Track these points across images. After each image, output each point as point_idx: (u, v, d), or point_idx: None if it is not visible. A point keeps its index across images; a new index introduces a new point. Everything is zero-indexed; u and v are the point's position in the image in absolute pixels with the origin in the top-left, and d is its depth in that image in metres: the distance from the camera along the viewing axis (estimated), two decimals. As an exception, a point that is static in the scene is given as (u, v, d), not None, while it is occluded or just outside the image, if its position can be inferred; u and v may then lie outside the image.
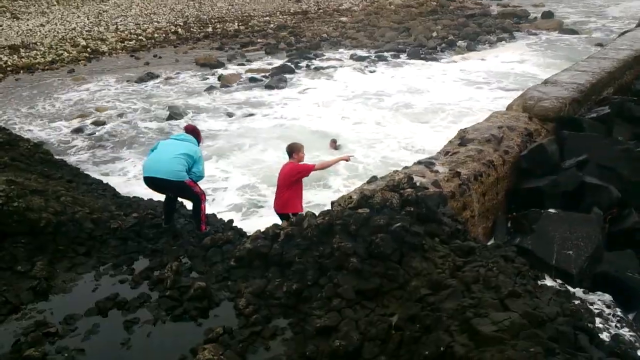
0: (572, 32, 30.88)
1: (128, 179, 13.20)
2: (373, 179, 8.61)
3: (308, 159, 7.55)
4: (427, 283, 3.94)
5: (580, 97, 12.03)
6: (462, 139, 10.11)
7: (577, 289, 6.52)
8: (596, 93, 12.95)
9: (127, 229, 6.20)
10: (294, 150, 7.30)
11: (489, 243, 5.78)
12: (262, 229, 5.34)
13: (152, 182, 6.27)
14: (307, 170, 7.15)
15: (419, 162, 9.14)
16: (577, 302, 4.58)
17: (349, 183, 12.30)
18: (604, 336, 4.08)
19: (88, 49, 29.63)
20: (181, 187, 6.28)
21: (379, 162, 13.75)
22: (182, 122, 16.74)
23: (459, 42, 29.39)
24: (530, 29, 32.58)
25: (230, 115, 18.26)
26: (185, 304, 4.64)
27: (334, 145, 14.02)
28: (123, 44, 31.10)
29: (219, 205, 11.40)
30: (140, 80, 23.27)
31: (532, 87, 13.06)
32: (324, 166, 7.64)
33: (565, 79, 12.82)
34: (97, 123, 17.74)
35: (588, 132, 10.77)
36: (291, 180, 7.12)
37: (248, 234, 5.87)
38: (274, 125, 17.00)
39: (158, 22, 36.17)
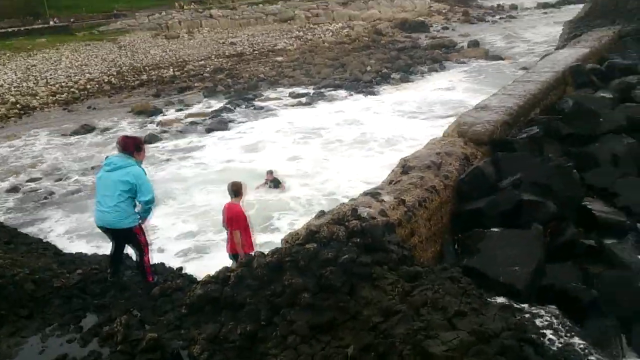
0: (498, 58, 32.63)
1: (70, 235, 12.78)
2: (321, 213, 8.70)
3: (249, 197, 7.60)
4: (378, 311, 4.02)
5: (510, 119, 12.63)
6: (404, 167, 10.39)
7: (526, 304, 6.77)
8: (524, 114, 13.63)
9: (71, 286, 6.01)
10: (238, 189, 7.34)
11: (437, 266, 5.95)
12: (212, 273, 5.30)
13: (103, 230, 6.13)
14: (236, 226, 7.17)
15: (365, 193, 9.31)
16: (526, 315, 4.76)
17: (295, 220, 12.38)
18: (555, 346, 4.26)
19: (18, 105, 28.78)
20: (127, 235, 6.11)
21: (325, 196, 13.92)
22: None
23: (393, 74, 30.43)
24: (458, 57, 34.15)
25: (170, 160, 18.08)
26: (137, 357, 4.53)
27: (271, 176, 14.05)
28: (54, 98, 30.39)
29: (166, 253, 11.19)
30: (76, 133, 22.75)
31: (464, 112, 13.63)
32: (237, 238, 7.31)
33: (495, 103, 13.45)
34: (32, 180, 17.17)
35: (520, 152, 11.30)
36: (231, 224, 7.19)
37: (198, 279, 5.81)
38: (218, 168, 16.96)
39: (90, 73, 35.65)
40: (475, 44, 38.16)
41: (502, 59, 32.35)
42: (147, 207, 6.05)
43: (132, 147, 6.07)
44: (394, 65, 32.29)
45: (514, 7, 65.62)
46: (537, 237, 8.69)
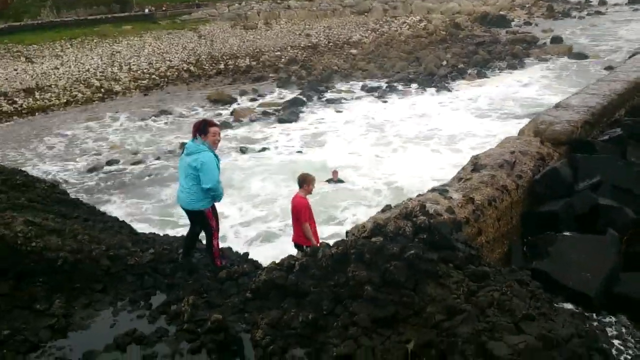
0: (582, 56, 31.00)
1: (144, 216, 13.36)
2: (387, 207, 8.64)
3: (315, 191, 7.63)
4: (442, 309, 3.93)
5: (592, 119, 12.01)
6: (475, 165, 10.13)
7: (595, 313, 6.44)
8: (608, 115, 12.93)
9: (144, 264, 6.27)
10: (305, 181, 7.39)
11: (505, 268, 5.77)
12: (277, 261, 5.38)
13: (183, 209, 6.42)
14: (303, 218, 7.20)
15: (433, 189, 9.16)
16: (594, 323, 4.53)
17: (360, 212, 12.37)
18: (623, 359, 4.02)
19: (102, 89, 30.34)
20: (198, 217, 6.35)
21: (392, 191, 13.79)
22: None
23: (469, 69, 29.63)
24: (540, 54, 32.76)
25: (243, 150, 18.47)
26: (202, 337, 4.66)
27: (336, 176, 14.05)
28: (136, 83, 31.80)
29: (236, 238, 11.49)
30: (154, 118, 23.72)
31: (543, 111, 13.08)
32: (307, 233, 7.36)
33: (576, 102, 12.84)
34: (112, 162, 18.06)
35: (601, 154, 10.72)
36: (300, 219, 7.23)
37: (263, 266, 5.91)
38: (286, 159, 17.18)
39: (170, 61, 36.99)
40: (558, 40, 36.46)
41: (587, 57, 30.69)
42: (213, 194, 6.20)
43: (195, 131, 6.24)
44: (471, 61, 31.44)
45: (602, 2, 62.14)
46: (612, 244, 8.24)
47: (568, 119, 11.67)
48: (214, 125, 6.36)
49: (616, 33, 39.79)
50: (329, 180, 13.78)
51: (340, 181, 14.02)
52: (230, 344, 4.59)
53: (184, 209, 6.37)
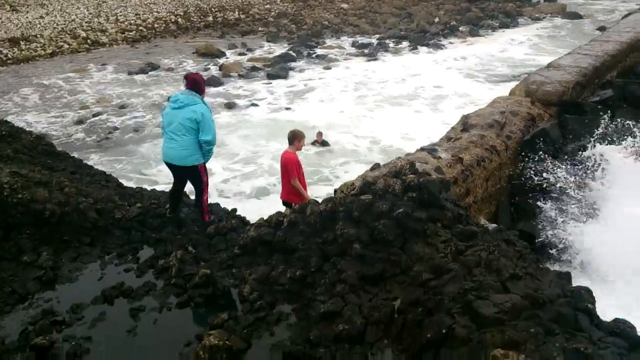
0: (576, 15, 30.66)
1: (130, 169, 13.26)
2: (376, 165, 8.62)
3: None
4: (429, 268, 3.96)
5: (584, 80, 11.96)
6: (465, 124, 10.10)
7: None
8: (599, 76, 12.88)
9: (131, 218, 6.24)
10: (295, 137, 7.31)
11: (491, 227, 5.83)
12: (266, 217, 5.37)
13: (168, 166, 6.29)
14: (292, 174, 7.13)
15: (422, 149, 9.14)
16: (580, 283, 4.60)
17: (351, 168, 12.37)
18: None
19: (88, 41, 29.60)
20: (191, 172, 6.22)
21: (380, 149, 13.78)
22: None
23: (462, 27, 29.25)
24: (533, 13, 32.37)
25: (230, 106, 18.24)
26: (190, 291, 4.69)
27: (320, 137, 13.89)
28: (123, 35, 31.04)
29: (222, 194, 11.46)
30: (141, 71, 23.27)
31: (534, 71, 12.99)
32: (299, 189, 7.33)
33: (568, 62, 12.75)
34: (97, 114, 17.79)
35: (591, 116, 10.73)
36: (288, 175, 7.16)
37: (251, 222, 5.91)
38: (274, 116, 17.02)
39: (158, 12, 36.05)
40: (552, -2, 36.01)
41: (581, 16, 30.34)
42: (208, 148, 6.11)
43: (202, 85, 6.15)
44: (464, 18, 31.01)
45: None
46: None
47: (559, 79, 11.60)
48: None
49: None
50: (313, 143, 13.64)
51: (325, 143, 13.86)
52: (217, 299, 4.63)
53: (174, 165, 6.17)
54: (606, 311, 3.70)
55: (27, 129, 9.26)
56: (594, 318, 3.46)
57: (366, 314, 3.87)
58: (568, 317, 3.30)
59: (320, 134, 13.98)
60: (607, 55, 13.36)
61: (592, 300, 3.62)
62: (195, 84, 6.07)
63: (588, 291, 3.68)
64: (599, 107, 11.23)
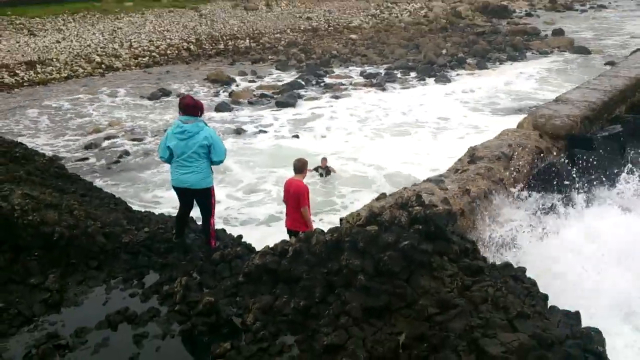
0: (584, 50, 30.82)
1: (139, 193, 13.33)
2: (382, 195, 8.63)
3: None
4: (435, 302, 3.94)
5: (592, 115, 11.99)
6: (472, 156, 10.11)
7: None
8: (608, 111, 12.91)
9: (138, 243, 6.26)
10: (303, 167, 7.36)
11: (500, 262, 5.78)
12: (271, 245, 5.37)
13: (177, 190, 6.36)
14: (304, 203, 7.19)
15: (429, 180, 9.15)
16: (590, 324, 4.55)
17: (357, 197, 12.38)
18: None
19: (102, 65, 30.10)
20: (203, 195, 6.33)
21: (386, 178, 13.80)
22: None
23: (469, 59, 29.47)
24: (540, 46, 32.60)
25: (238, 132, 18.39)
26: (193, 318, 4.67)
27: (324, 163, 13.78)
28: (136, 61, 31.55)
29: (229, 221, 11.48)
30: (153, 96, 23.56)
31: (543, 104, 13.06)
32: (308, 218, 7.39)
33: (577, 97, 12.81)
34: (109, 138, 17.96)
35: (600, 150, 10.72)
36: (300, 204, 7.20)
37: (257, 250, 5.91)
38: (282, 143, 17.12)
39: (171, 39, 36.67)
40: (560, 33, 36.27)
41: (589, 51, 30.53)
42: (218, 163, 6.31)
43: (198, 108, 6.21)
44: (471, 50, 31.28)
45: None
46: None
47: (568, 113, 11.64)
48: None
49: (622, 29, 39.51)
50: (316, 169, 13.54)
51: (329, 169, 13.78)
52: (221, 327, 4.61)
53: (186, 189, 6.26)
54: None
55: (40, 151, 9.37)
56: (604, 360, 3.42)
57: (370, 348, 3.84)
58: (577, 359, 3.26)
59: (324, 159, 13.93)
60: (615, 90, 13.42)
61: (602, 342, 3.57)
62: (195, 109, 6.16)
63: (598, 332, 3.64)
64: (608, 141, 11.24)
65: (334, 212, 11.78)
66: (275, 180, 13.31)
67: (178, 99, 7.70)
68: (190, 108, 6.14)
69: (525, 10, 51.18)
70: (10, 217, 5.70)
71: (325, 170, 13.70)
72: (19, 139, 12.80)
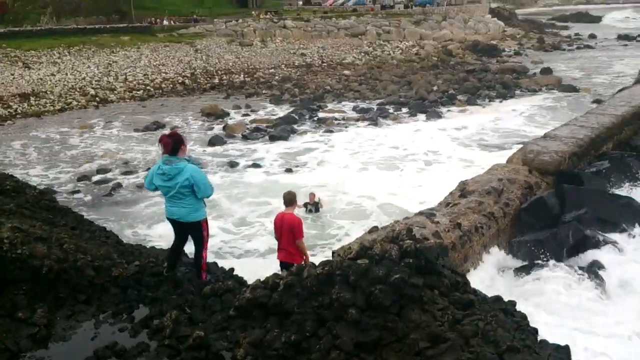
0: (571, 88, 31.42)
1: (131, 227, 13.28)
2: (374, 229, 8.68)
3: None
4: (426, 336, 3.94)
5: (580, 151, 12.20)
6: (463, 190, 10.23)
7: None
8: (595, 148, 13.14)
9: (128, 277, 6.21)
10: (293, 199, 7.41)
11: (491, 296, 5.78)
12: (262, 278, 5.36)
13: (171, 221, 6.34)
14: (299, 235, 7.23)
15: (420, 213, 9.23)
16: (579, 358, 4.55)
17: (348, 230, 12.38)
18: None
19: (97, 98, 30.31)
20: (194, 227, 6.29)
21: (380, 211, 13.83)
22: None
23: (459, 96, 29.94)
24: (529, 84, 33.20)
25: (231, 165, 18.47)
26: (183, 353, 4.62)
27: (312, 199, 13.55)
28: (131, 94, 31.81)
29: (221, 253, 11.43)
30: (147, 129, 23.69)
31: (531, 140, 13.28)
32: (304, 250, 7.43)
33: (565, 133, 13.05)
34: (102, 170, 17.97)
35: (588, 186, 10.89)
36: (295, 236, 7.21)
37: (248, 283, 5.89)
38: (273, 177, 17.18)
39: (166, 73, 37.07)
40: (548, 71, 37.03)
41: (576, 89, 31.13)
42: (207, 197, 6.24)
43: (179, 143, 6.03)
44: (462, 87, 31.80)
45: (592, 36, 63.38)
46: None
47: (556, 149, 11.85)
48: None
49: (609, 67, 40.38)
50: (305, 204, 13.32)
51: (317, 205, 13.55)
52: (211, 362, 4.56)
53: (179, 222, 6.25)
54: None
55: (31, 184, 9.35)
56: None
57: (361, 382, 3.82)
58: (565, 392, 3.27)
59: (312, 194, 13.71)
60: (602, 128, 13.69)
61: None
62: (174, 146, 5.99)
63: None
64: (596, 177, 11.42)
65: (327, 246, 11.75)
66: (267, 213, 13.31)
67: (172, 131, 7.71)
68: (169, 146, 6.00)
69: (514, 50, 52.25)
70: (-1, 250, 5.66)
71: (314, 205, 13.48)
72: (10, 171, 12.82)
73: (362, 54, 47.26)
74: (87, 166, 18.64)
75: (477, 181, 10.60)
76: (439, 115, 25.75)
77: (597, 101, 25.32)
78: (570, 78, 35.51)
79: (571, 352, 3.98)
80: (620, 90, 21.38)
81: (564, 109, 26.31)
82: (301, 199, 11.18)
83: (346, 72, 38.84)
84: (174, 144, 6.01)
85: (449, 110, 26.99)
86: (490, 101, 29.28)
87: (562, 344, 4.06)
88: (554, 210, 9.97)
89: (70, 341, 5.03)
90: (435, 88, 31.58)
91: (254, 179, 16.95)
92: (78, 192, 16.10)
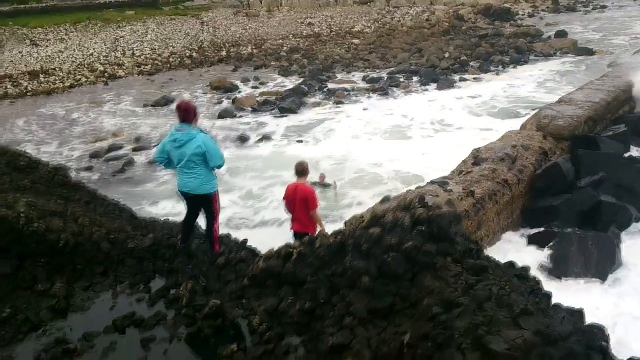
0: (588, 51, 30.74)
1: (144, 202, 13.38)
2: (386, 199, 8.65)
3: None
4: (439, 302, 3.95)
5: (596, 115, 12.00)
6: (476, 158, 10.14)
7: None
8: (612, 112, 12.92)
9: (144, 249, 6.30)
10: (305, 169, 7.39)
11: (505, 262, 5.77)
12: (275, 249, 5.40)
13: (183, 195, 6.39)
14: (313, 206, 7.22)
15: (433, 182, 9.18)
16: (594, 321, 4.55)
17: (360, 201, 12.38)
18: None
19: (106, 74, 30.30)
20: (205, 200, 6.35)
21: (392, 182, 13.78)
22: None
23: (472, 62, 29.45)
24: (544, 48, 32.52)
25: (241, 139, 18.44)
26: (200, 322, 4.70)
27: (322, 179, 13.44)
28: (139, 69, 31.74)
29: (234, 225, 11.52)
30: (156, 104, 23.67)
31: (546, 106, 13.07)
32: (319, 220, 7.48)
33: (580, 97, 12.82)
34: (113, 147, 18.04)
35: (604, 150, 10.73)
36: (309, 207, 7.21)
37: (261, 254, 5.94)
38: (283, 149, 17.15)
39: (173, 47, 36.87)
40: (563, 34, 36.20)
41: (592, 52, 30.45)
42: (220, 170, 6.37)
43: (192, 113, 6.18)
44: (474, 54, 31.25)
45: (608, -4, 61.81)
46: (615, 241, 8.29)
47: (571, 114, 11.66)
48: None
49: (627, 29, 39.29)
50: (314, 184, 13.25)
51: (327, 185, 13.40)
52: (227, 330, 4.64)
53: (191, 195, 6.31)
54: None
55: (44, 160, 9.43)
56: (608, 356, 3.42)
57: (375, 347, 3.86)
58: (581, 355, 3.27)
59: (322, 176, 13.62)
60: (620, 91, 13.43)
61: (606, 339, 3.58)
62: (186, 113, 6.14)
63: (601, 329, 3.64)
64: (613, 142, 11.24)
65: (338, 220, 11.73)
66: (279, 186, 13.34)
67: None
68: (182, 113, 6.15)
69: (528, 13, 51.07)
70: (16, 225, 5.75)
71: (323, 187, 13.32)
72: (22, 148, 12.91)
73: (372, 21, 46.51)
74: (98, 143, 18.71)
75: (490, 148, 10.50)
76: (451, 84, 25.38)
77: (614, 64, 24.79)
78: (586, 41, 34.68)
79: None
80: (637, 52, 20.90)
81: (580, 73, 25.79)
82: (312, 173, 11.12)
83: (355, 41, 38.31)
84: (189, 112, 6.15)
85: (461, 78, 26.60)
86: (503, 67, 28.76)
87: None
88: (569, 176, 9.85)
89: (89, 312, 5.14)
90: (447, 55, 31.07)
91: (264, 152, 16.94)
92: (90, 169, 16.21)
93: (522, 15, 49.88)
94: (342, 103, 22.88)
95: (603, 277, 7.65)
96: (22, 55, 32.56)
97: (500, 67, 28.88)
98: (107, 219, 7.18)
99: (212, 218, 6.47)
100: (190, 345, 4.50)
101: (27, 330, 4.77)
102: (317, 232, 6.52)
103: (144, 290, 5.50)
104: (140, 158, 16.97)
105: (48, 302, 5.12)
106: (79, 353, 4.39)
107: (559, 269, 7.86)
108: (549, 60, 29.89)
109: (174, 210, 12.00)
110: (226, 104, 23.62)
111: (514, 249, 8.66)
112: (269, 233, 11.11)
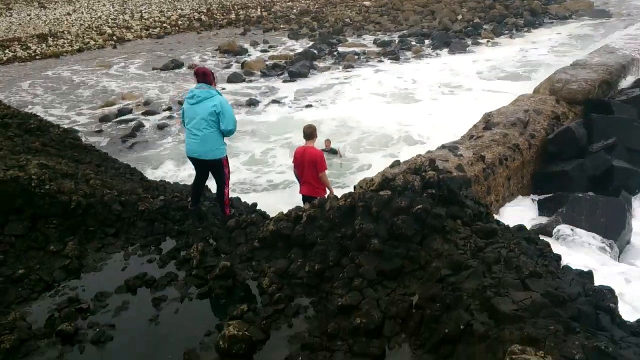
0: (603, 13, 30.03)
1: (154, 165, 13.45)
2: (396, 162, 8.63)
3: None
4: (448, 264, 3.96)
5: (610, 79, 11.78)
6: (487, 122, 10.04)
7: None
8: (626, 75, 12.67)
9: (154, 211, 6.33)
10: (313, 132, 7.32)
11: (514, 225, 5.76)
12: (285, 211, 5.41)
13: (191, 159, 6.38)
14: (322, 168, 7.17)
15: (443, 146, 9.11)
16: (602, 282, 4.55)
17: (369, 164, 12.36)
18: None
19: (114, 37, 30.05)
20: (214, 165, 6.32)
21: (402, 146, 13.72)
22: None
23: (485, 25, 28.90)
24: (559, 11, 31.80)
25: (251, 103, 18.34)
26: (210, 282, 4.75)
27: (328, 145, 13.37)
28: (148, 32, 31.46)
29: (244, 188, 11.57)
30: (165, 67, 23.54)
31: (559, 69, 12.83)
32: (328, 182, 7.44)
33: (594, 61, 12.57)
34: (123, 110, 18.03)
35: (618, 114, 10.56)
36: (317, 169, 7.17)
37: (271, 216, 5.96)
38: (293, 113, 17.06)
39: (182, 10, 36.47)
40: (579, -4, 35.28)
41: (609, 14, 29.72)
42: (230, 135, 6.27)
43: (210, 76, 6.23)
44: (487, 16, 30.66)
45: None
46: (624, 206, 8.24)
47: (585, 77, 11.45)
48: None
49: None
50: (330, 148, 13.22)
51: (333, 151, 13.39)
52: (237, 290, 4.69)
53: (199, 159, 6.27)
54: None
55: (54, 123, 9.45)
56: (616, 317, 3.42)
57: (384, 308, 3.88)
58: (589, 315, 3.27)
59: (328, 141, 13.55)
60: (635, 53, 13.14)
61: (615, 300, 3.57)
62: (205, 76, 6.18)
63: (610, 290, 3.64)
64: (627, 106, 11.05)
65: (343, 186, 11.73)
66: (288, 149, 13.34)
67: (190, 70, 7.71)
68: (201, 76, 6.17)
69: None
70: (28, 187, 5.79)
71: (329, 152, 13.25)
72: (33, 111, 12.94)
73: (383, -17, 45.50)
74: (107, 106, 18.70)
75: (502, 113, 10.37)
76: (463, 47, 24.96)
77: (630, 26, 24.19)
78: (603, 2, 33.83)
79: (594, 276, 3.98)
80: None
81: (596, 37, 25.24)
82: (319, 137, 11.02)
83: (366, 2, 37.62)
84: (207, 75, 6.19)
85: (473, 41, 26.14)
86: (517, 30, 28.20)
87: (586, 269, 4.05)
88: (582, 140, 9.74)
89: (102, 272, 5.21)
90: (459, 17, 30.50)
91: (274, 116, 16.87)
92: (100, 132, 16.25)
93: (538, -25, 48.48)
94: (352, 67, 22.63)
95: (613, 241, 7.63)
96: (30, 18, 32.36)
97: (514, 30, 28.32)
98: (117, 181, 7.22)
99: (222, 182, 6.45)
100: (201, 305, 4.56)
101: (40, 289, 4.85)
102: (326, 195, 6.51)
103: (154, 251, 5.55)
104: (150, 122, 16.97)
105: (61, 262, 5.18)
106: (91, 312, 4.46)
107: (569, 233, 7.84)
108: (564, 24, 29.24)
109: (184, 171, 12.09)
110: (235, 67, 23.45)
111: (524, 213, 8.64)
112: (278, 196, 11.16)
